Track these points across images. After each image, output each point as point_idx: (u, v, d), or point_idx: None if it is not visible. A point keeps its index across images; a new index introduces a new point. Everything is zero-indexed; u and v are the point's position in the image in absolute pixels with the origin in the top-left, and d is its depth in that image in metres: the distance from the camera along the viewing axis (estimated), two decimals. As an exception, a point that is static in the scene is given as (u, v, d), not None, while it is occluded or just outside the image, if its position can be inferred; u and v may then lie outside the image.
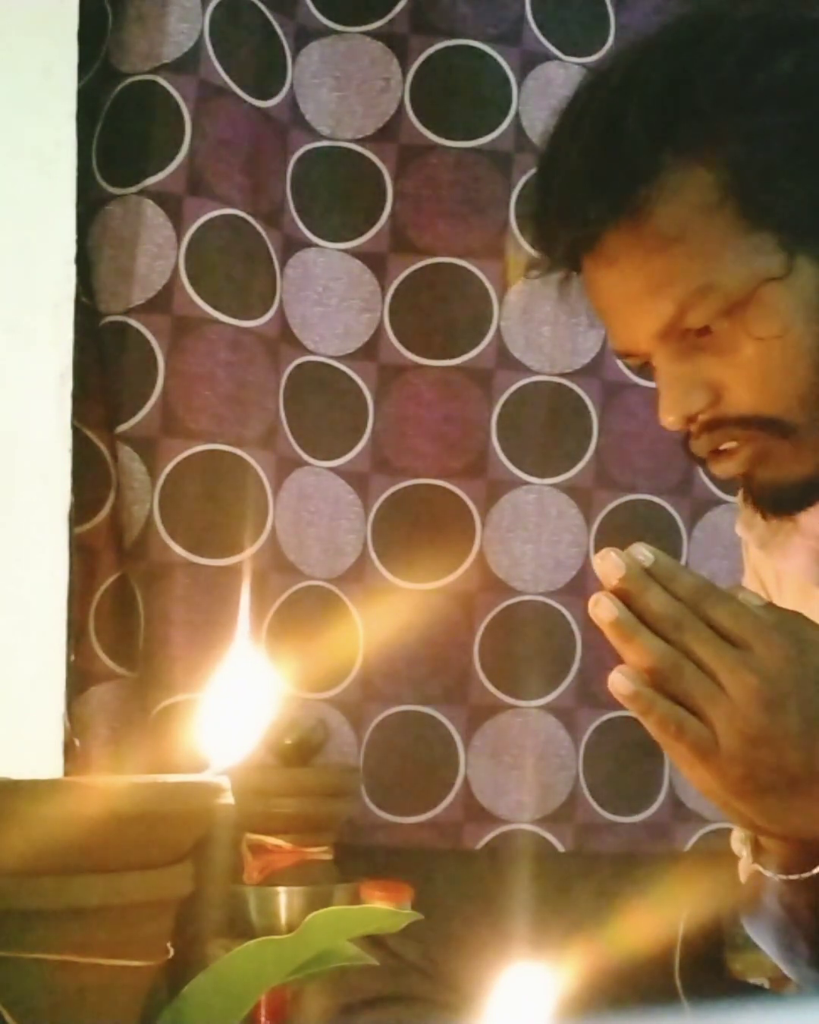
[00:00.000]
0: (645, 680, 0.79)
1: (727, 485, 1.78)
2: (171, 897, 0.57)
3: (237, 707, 0.60)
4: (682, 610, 0.79)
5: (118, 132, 1.53)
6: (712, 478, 1.76)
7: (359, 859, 1.55)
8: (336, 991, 1.30)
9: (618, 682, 0.79)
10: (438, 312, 1.67)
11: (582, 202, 0.95)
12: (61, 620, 1.35)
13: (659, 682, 0.79)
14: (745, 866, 1.17)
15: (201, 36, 1.53)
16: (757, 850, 0.91)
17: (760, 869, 0.90)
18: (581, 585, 1.68)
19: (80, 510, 1.46)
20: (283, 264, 1.61)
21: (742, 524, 1.15)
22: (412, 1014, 1.31)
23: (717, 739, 0.79)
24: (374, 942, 1.25)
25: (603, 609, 0.79)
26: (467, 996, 1.23)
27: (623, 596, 0.79)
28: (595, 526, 1.70)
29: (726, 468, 1.01)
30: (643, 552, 0.80)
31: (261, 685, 0.61)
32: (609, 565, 0.79)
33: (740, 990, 1.63)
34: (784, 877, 0.88)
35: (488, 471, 1.67)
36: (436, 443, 1.67)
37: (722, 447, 1.00)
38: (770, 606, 0.82)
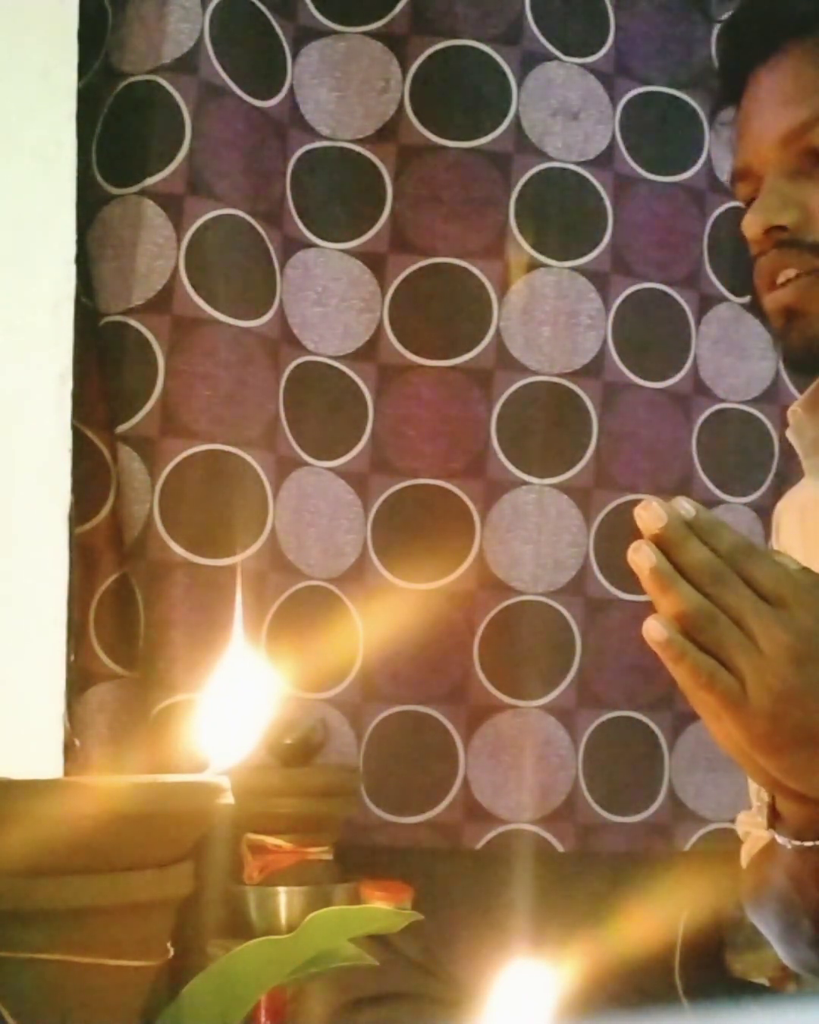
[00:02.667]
0: (678, 629, 0.80)
1: (727, 485, 1.78)
2: (171, 897, 0.57)
3: (237, 707, 0.60)
4: (720, 564, 0.80)
5: (118, 132, 1.53)
6: (713, 477, 1.76)
7: (359, 859, 1.54)
8: (339, 988, 1.31)
9: (652, 629, 0.80)
10: (438, 312, 1.67)
11: (787, 10, 1.07)
12: (61, 620, 1.35)
13: (692, 632, 0.80)
14: (747, 850, 1.18)
15: (201, 36, 1.53)
16: (773, 817, 0.91)
17: (774, 835, 0.91)
18: (581, 585, 1.68)
19: (80, 510, 1.46)
20: (283, 264, 1.61)
21: (793, 430, 1.17)
22: (414, 1011, 1.31)
23: (747, 692, 0.80)
24: (377, 939, 1.25)
25: (642, 556, 0.80)
26: (468, 993, 1.23)
27: (662, 546, 0.80)
28: (595, 526, 1.70)
29: (780, 296, 1.06)
30: (685, 505, 0.81)
31: (261, 685, 0.61)
32: (651, 514, 0.80)
33: (740, 990, 1.63)
34: (797, 844, 0.89)
35: (488, 471, 1.67)
36: (436, 443, 1.67)
37: (782, 278, 1.06)
38: (807, 570, 0.83)
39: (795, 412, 1.16)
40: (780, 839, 0.90)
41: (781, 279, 1.06)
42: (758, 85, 1.09)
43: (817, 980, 1.17)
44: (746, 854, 1.18)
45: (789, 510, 1.26)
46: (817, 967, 1.02)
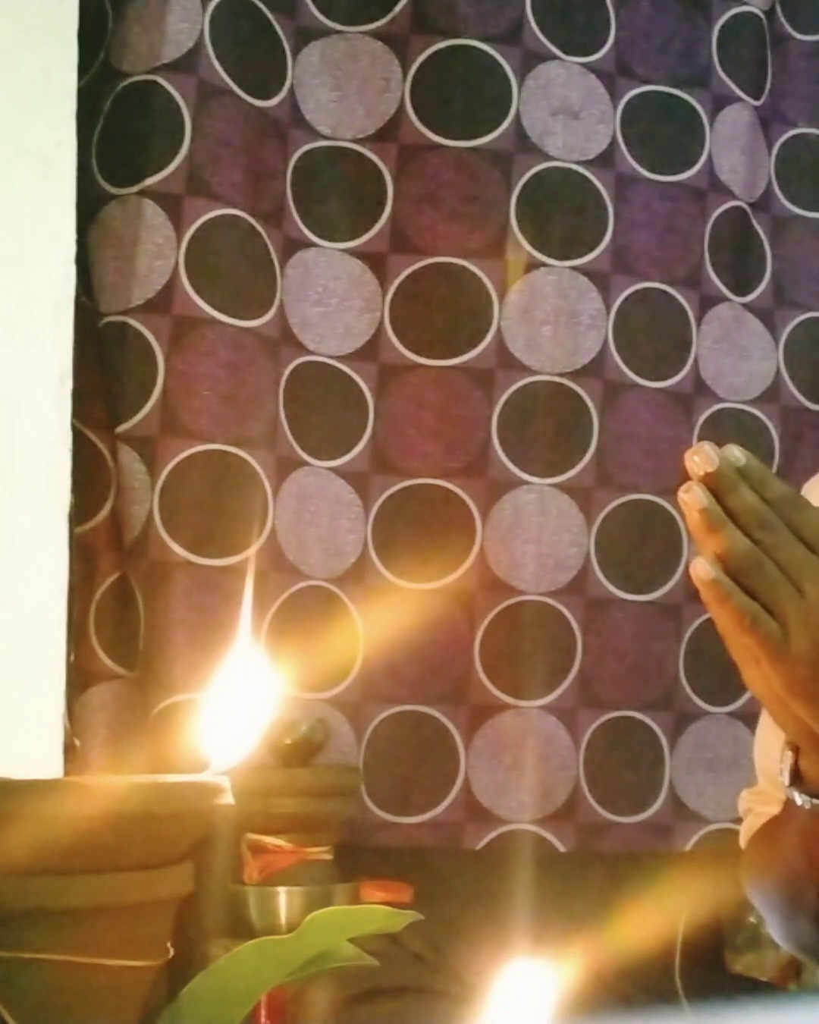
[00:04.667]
0: (723, 570, 0.81)
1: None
2: (171, 897, 0.57)
3: (237, 707, 0.60)
4: (769, 511, 0.82)
5: (118, 132, 1.53)
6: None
7: (359, 859, 1.54)
8: (342, 982, 1.31)
9: (700, 567, 0.81)
10: (438, 312, 1.67)
11: None
12: (61, 620, 1.35)
13: (737, 576, 0.81)
14: (747, 827, 1.18)
15: (201, 36, 1.53)
16: (795, 777, 0.92)
17: (792, 794, 0.91)
18: (581, 585, 1.68)
19: (80, 510, 1.46)
20: (283, 264, 1.61)
21: None
22: (418, 1005, 1.31)
23: (788, 638, 0.81)
24: (381, 934, 1.25)
25: (693, 497, 0.81)
26: (472, 987, 1.23)
27: (712, 489, 0.82)
28: (595, 526, 1.70)
29: None
30: (736, 452, 0.83)
31: (261, 685, 0.61)
32: (703, 457, 0.81)
33: (740, 990, 1.63)
34: (817, 803, 0.89)
35: (488, 471, 1.67)
36: (436, 443, 1.67)
37: None
38: None
39: None
40: (799, 798, 0.91)
41: None
42: None
43: (813, 962, 1.16)
44: (746, 832, 1.18)
45: (816, 485, 1.26)
46: (815, 946, 1.02)
